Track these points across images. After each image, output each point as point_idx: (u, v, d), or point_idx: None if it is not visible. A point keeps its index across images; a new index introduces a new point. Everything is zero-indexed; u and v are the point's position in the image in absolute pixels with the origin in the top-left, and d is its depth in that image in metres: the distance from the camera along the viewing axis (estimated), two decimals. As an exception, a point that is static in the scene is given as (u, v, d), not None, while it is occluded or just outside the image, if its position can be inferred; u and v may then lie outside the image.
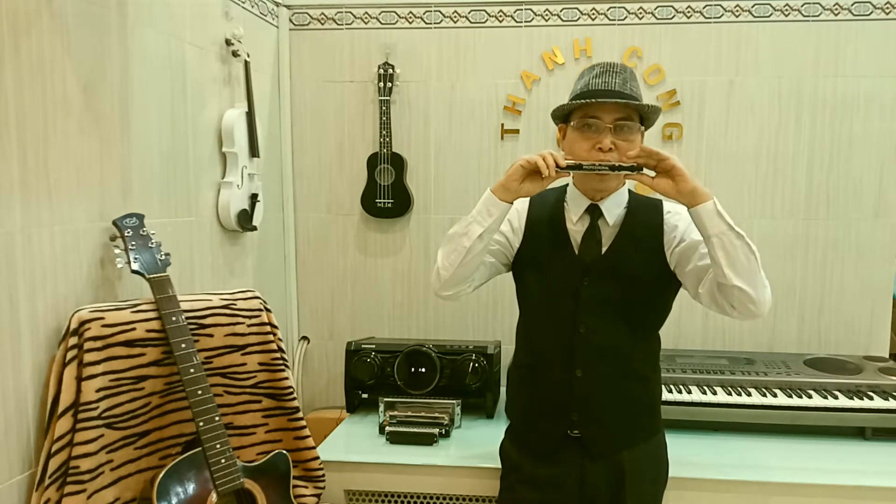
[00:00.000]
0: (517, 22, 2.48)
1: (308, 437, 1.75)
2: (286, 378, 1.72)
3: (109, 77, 1.61)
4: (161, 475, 1.43)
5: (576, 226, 1.61)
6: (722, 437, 2.03)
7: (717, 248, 1.41)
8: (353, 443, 2.05)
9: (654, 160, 1.44)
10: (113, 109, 1.62)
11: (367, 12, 2.53)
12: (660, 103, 2.42)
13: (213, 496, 1.47)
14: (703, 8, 2.40)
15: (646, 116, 1.55)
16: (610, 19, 2.44)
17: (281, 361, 1.72)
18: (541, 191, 1.53)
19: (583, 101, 1.52)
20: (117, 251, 1.53)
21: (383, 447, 1.99)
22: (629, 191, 1.66)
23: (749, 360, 2.30)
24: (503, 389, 2.20)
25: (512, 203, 1.54)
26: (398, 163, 2.53)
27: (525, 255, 1.66)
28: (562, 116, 1.60)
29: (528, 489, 1.63)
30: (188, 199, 1.95)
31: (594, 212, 1.60)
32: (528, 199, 1.69)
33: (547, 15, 2.46)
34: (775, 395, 2.06)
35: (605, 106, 1.50)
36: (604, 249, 1.59)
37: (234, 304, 1.67)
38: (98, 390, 1.40)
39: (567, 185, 1.68)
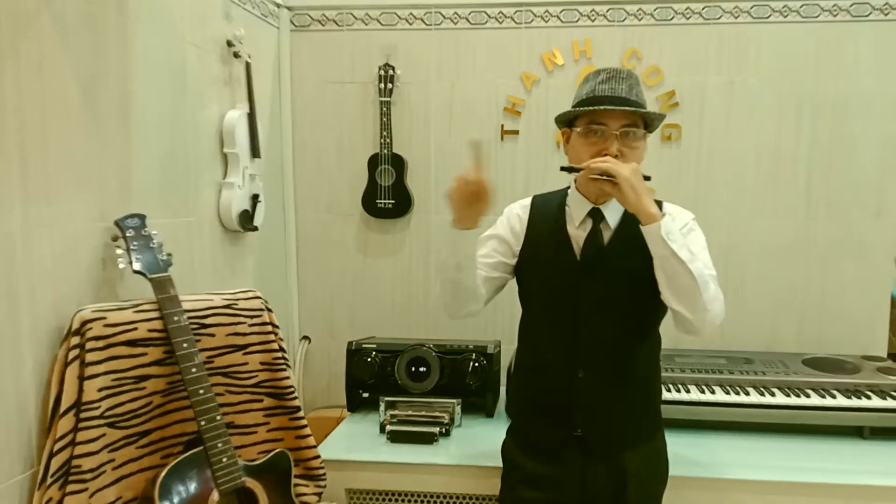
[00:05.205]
0: (517, 23, 2.49)
1: (309, 436, 1.75)
2: (287, 377, 1.73)
3: (109, 77, 1.61)
4: (163, 474, 1.43)
5: (578, 229, 1.62)
6: (721, 437, 2.03)
7: (658, 269, 1.46)
8: (354, 442, 2.06)
9: (611, 173, 1.45)
10: (113, 109, 1.63)
11: (367, 14, 2.54)
12: (659, 104, 2.43)
13: (215, 495, 1.48)
14: (703, 9, 2.41)
15: (650, 122, 1.56)
16: (609, 20, 2.45)
17: (282, 361, 1.72)
18: (488, 205, 1.51)
19: (590, 107, 1.52)
20: (119, 251, 1.54)
21: (384, 446, 1.99)
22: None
23: (748, 360, 2.30)
24: (503, 389, 2.21)
25: (476, 227, 1.55)
26: (399, 163, 2.54)
27: (526, 258, 1.67)
28: (566, 121, 1.61)
29: (530, 488, 1.63)
30: (189, 200, 1.96)
31: (596, 215, 1.61)
32: (529, 203, 1.71)
33: (546, 16, 2.47)
34: (774, 395, 2.07)
35: (612, 113, 1.51)
36: (603, 250, 1.60)
37: (236, 304, 1.68)
38: (100, 390, 1.41)
39: (568, 188, 1.68)
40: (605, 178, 1.46)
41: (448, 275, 1.58)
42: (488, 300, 1.70)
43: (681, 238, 1.46)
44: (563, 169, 1.56)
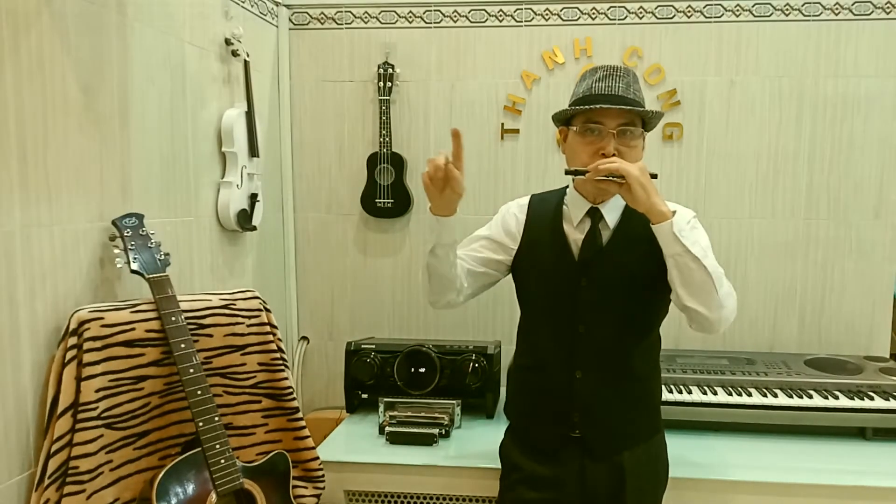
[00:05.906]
0: (517, 21, 2.48)
1: (308, 437, 1.74)
2: (286, 378, 1.72)
3: (109, 77, 1.60)
4: (160, 475, 1.43)
5: (576, 229, 1.61)
6: (722, 438, 2.03)
7: (672, 268, 1.44)
8: (353, 443, 2.05)
9: (620, 173, 1.44)
10: (112, 109, 1.62)
11: (366, 12, 2.53)
12: (660, 103, 2.42)
13: (213, 496, 1.47)
14: (704, 7, 2.40)
15: (648, 121, 1.55)
16: (610, 19, 2.44)
17: (280, 361, 1.71)
18: (457, 194, 1.51)
19: (586, 106, 1.51)
20: (117, 251, 1.53)
21: (383, 447, 1.98)
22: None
23: (749, 361, 2.29)
24: (503, 389, 2.20)
25: (453, 214, 1.56)
26: (398, 162, 2.53)
27: (524, 258, 1.66)
28: (563, 119, 1.60)
29: (529, 489, 1.63)
30: (188, 199, 1.95)
31: (595, 214, 1.60)
32: (526, 203, 1.71)
33: (547, 14, 2.46)
34: (776, 396, 2.06)
35: (608, 112, 1.50)
36: (601, 250, 1.59)
37: (234, 304, 1.67)
38: (97, 390, 1.40)
39: (567, 187, 1.68)
40: (611, 178, 1.45)
41: (425, 259, 1.61)
42: (472, 295, 1.70)
43: (691, 235, 1.45)
44: (567, 173, 1.54)
